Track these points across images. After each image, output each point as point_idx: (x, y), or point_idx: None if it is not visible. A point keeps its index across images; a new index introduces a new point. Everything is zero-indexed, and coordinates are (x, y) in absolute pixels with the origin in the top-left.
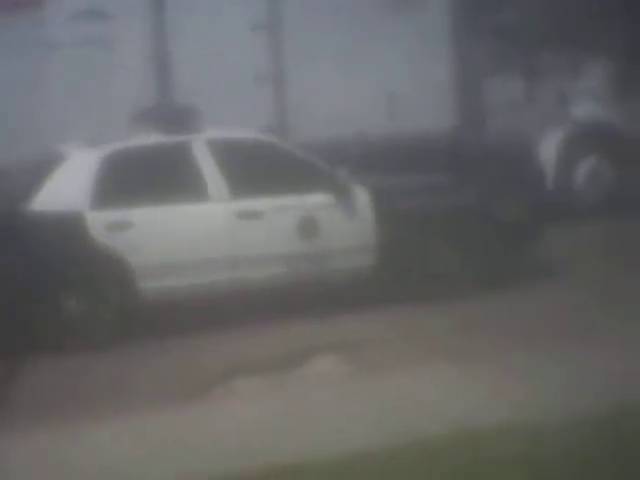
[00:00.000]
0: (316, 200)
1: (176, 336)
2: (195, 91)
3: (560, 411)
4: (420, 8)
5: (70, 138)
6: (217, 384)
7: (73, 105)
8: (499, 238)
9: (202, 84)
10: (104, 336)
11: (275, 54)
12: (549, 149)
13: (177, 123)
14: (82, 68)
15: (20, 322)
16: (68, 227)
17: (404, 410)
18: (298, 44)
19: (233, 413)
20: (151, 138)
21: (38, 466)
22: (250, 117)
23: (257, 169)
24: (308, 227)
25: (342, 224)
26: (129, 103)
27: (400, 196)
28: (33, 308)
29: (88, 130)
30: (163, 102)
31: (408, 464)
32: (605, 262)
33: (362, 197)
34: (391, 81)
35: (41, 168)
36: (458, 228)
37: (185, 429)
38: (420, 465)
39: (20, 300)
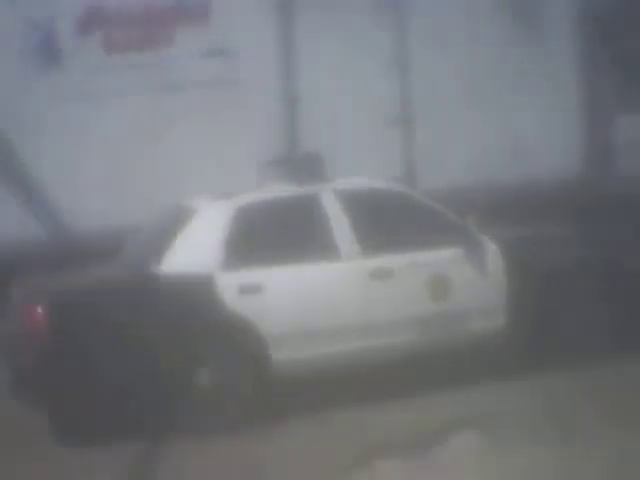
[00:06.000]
0: (446, 255)
1: (310, 412)
2: (323, 137)
3: None
4: (546, 55)
5: (197, 189)
6: (358, 466)
7: (200, 152)
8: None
9: (330, 129)
10: (236, 415)
11: (403, 100)
12: None
13: (306, 172)
14: (209, 112)
15: (149, 399)
16: (198, 291)
17: None
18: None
19: None
20: (279, 189)
21: None
22: (378, 164)
23: (388, 222)
24: (439, 286)
25: (472, 282)
26: (257, 150)
27: (529, 248)
28: (162, 384)
29: (215, 179)
30: (291, 151)
31: None
32: None
33: (491, 250)
34: (517, 126)
35: (170, 225)
36: (590, 283)
37: None
38: None
39: (148, 374)
